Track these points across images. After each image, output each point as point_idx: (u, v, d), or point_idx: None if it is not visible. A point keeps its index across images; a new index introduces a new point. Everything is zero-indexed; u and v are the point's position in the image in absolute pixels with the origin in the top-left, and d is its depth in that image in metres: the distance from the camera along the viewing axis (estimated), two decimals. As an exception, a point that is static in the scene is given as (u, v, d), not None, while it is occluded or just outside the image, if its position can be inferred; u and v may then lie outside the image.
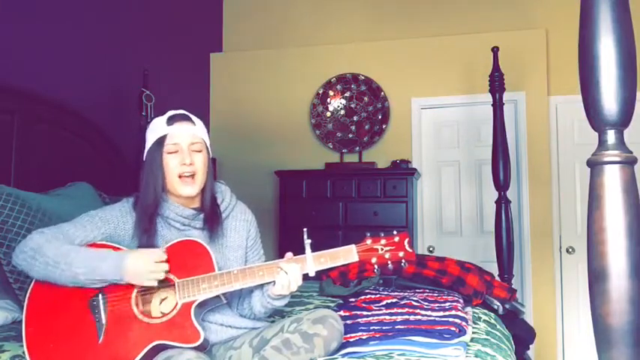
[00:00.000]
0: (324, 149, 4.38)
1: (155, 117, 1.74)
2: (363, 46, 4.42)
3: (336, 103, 4.39)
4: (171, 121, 1.65)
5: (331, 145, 4.34)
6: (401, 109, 4.28)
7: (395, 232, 1.64)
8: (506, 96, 3.32)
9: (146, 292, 1.54)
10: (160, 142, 1.63)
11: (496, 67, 3.20)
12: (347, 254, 1.61)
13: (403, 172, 3.91)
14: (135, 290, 1.53)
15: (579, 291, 3.93)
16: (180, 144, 1.63)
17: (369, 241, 1.62)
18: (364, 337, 1.66)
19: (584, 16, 1.07)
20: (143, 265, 1.50)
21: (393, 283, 2.59)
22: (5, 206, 1.99)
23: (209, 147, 1.72)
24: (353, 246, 1.61)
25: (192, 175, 1.64)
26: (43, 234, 1.54)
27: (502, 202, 3.18)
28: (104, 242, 1.60)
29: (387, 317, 1.93)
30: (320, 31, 4.58)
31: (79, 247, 1.54)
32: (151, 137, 1.67)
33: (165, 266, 1.53)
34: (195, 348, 1.46)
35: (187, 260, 1.57)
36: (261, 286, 1.65)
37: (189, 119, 1.68)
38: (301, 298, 2.50)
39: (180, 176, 1.63)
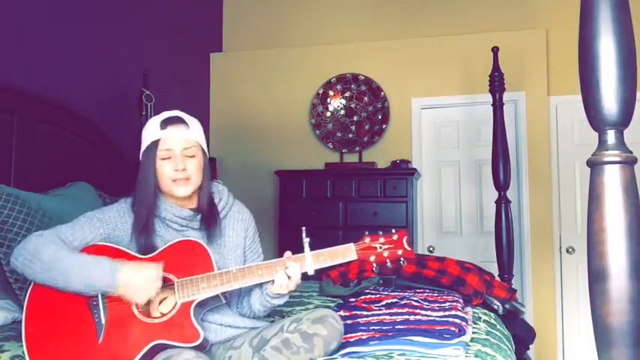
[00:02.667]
0: (324, 149, 4.38)
1: (153, 116, 1.72)
2: (363, 46, 4.42)
3: (336, 103, 4.39)
4: (164, 124, 1.63)
5: (331, 145, 4.34)
6: (401, 109, 4.28)
7: (393, 231, 1.64)
8: (506, 96, 3.32)
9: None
10: (154, 146, 1.62)
11: (496, 67, 3.21)
12: (346, 253, 1.61)
13: (403, 172, 3.91)
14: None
15: (579, 291, 3.93)
16: (173, 150, 1.61)
17: (367, 240, 1.62)
18: (364, 337, 1.66)
19: (584, 16, 1.07)
20: (138, 283, 1.47)
21: (393, 283, 2.59)
22: (5, 206, 1.98)
23: (205, 148, 1.70)
24: (352, 244, 1.62)
25: (186, 179, 1.62)
26: (40, 237, 1.53)
27: (502, 202, 3.19)
28: (103, 243, 1.60)
29: (387, 317, 1.93)
30: (320, 31, 4.58)
31: (76, 253, 1.52)
32: (145, 139, 1.65)
33: (158, 285, 1.49)
34: (194, 348, 1.46)
35: (186, 260, 1.57)
36: (261, 284, 1.65)
37: (182, 122, 1.65)
38: (301, 298, 2.50)
39: (173, 180, 1.62)
